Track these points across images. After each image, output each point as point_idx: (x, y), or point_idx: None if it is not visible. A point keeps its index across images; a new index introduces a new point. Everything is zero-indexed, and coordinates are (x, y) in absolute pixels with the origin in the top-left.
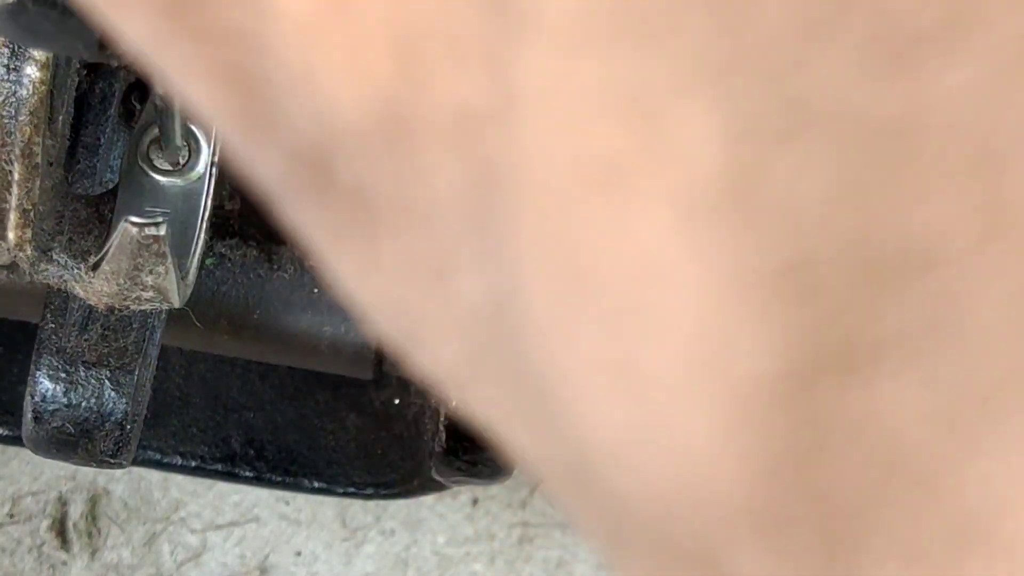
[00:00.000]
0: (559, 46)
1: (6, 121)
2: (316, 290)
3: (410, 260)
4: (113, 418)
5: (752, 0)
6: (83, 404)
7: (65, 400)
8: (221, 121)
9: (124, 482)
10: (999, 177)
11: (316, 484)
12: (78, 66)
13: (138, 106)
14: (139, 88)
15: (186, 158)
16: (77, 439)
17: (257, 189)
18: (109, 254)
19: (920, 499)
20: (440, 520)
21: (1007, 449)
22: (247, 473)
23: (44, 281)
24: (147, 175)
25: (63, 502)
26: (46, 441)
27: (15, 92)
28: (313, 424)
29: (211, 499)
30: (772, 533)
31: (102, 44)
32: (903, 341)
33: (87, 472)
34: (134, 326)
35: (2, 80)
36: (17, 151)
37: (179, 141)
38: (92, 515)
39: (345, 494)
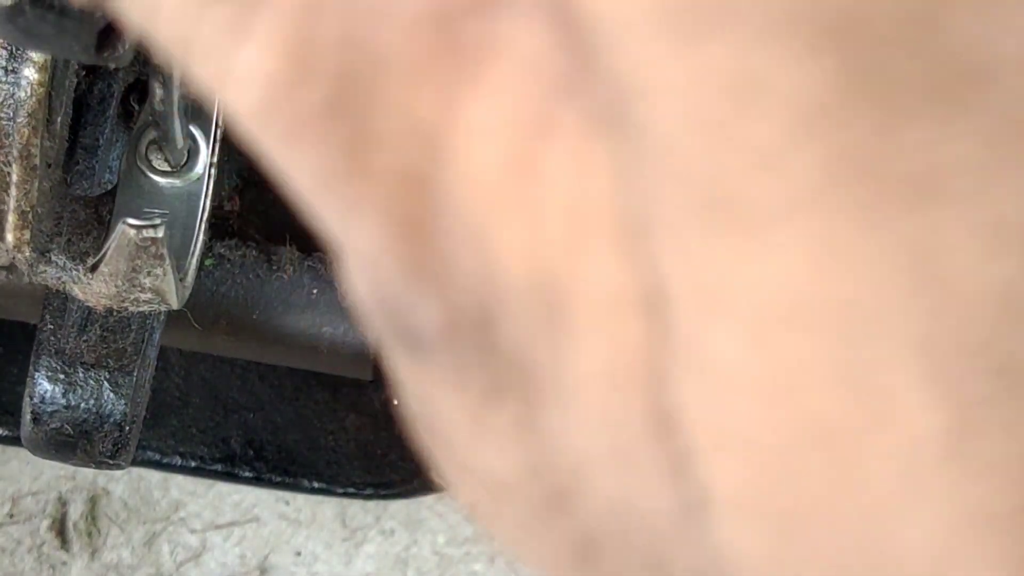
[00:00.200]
0: (749, 329)
1: (4, 123)
2: (315, 291)
3: (571, 436)
4: (112, 419)
5: (948, 284)
6: (82, 405)
7: (64, 401)
8: (380, 265)
9: (124, 482)
10: None
11: (316, 484)
12: (76, 67)
13: (137, 107)
14: (138, 89)
15: (185, 159)
16: (76, 440)
17: (400, 337)
18: (107, 256)
19: None
20: (440, 520)
21: None
22: (247, 473)
23: (42, 282)
24: (146, 176)
25: (63, 502)
26: (45, 442)
27: (13, 94)
28: (313, 424)
29: (211, 499)
30: None
31: (100, 46)
32: None
33: (87, 472)
34: (133, 327)
35: (0, 82)
36: (15, 153)
37: (179, 142)
38: (92, 515)
39: (345, 494)
